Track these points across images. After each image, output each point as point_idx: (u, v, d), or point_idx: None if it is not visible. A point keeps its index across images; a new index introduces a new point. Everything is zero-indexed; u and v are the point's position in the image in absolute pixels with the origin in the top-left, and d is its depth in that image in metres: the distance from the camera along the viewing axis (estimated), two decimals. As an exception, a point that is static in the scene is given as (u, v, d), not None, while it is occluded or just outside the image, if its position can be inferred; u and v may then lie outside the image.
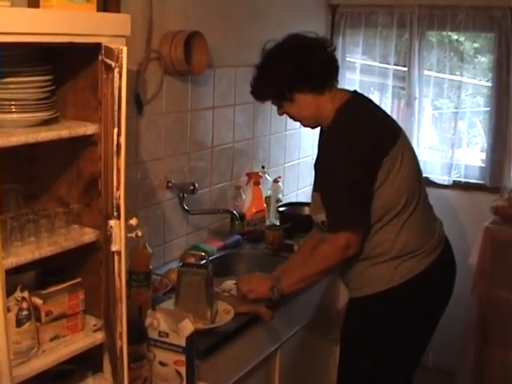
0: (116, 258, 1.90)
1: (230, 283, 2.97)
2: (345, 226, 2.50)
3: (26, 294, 1.99)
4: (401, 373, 2.75)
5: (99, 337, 2.19)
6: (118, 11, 2.62)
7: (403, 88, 4.42)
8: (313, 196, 2.77)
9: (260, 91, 2.69)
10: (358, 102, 2.72)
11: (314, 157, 2.86)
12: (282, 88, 2.59)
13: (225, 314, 2.66)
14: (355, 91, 2.75)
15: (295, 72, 2.56)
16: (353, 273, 2.67)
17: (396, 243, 2.58)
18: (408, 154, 2.64)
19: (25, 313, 1.98)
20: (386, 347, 2.65)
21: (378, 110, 2.78)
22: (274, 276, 2.69)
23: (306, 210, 3.63)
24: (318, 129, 2.79)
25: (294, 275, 2.67)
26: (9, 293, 1.90)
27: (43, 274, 2.15)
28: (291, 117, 2.72)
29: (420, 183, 2.70)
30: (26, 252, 1.94)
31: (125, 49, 1.78)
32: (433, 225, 2.74)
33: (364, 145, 2.52)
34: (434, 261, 2.65)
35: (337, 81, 2.68)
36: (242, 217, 3.61)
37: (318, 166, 2.76)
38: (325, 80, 2.62)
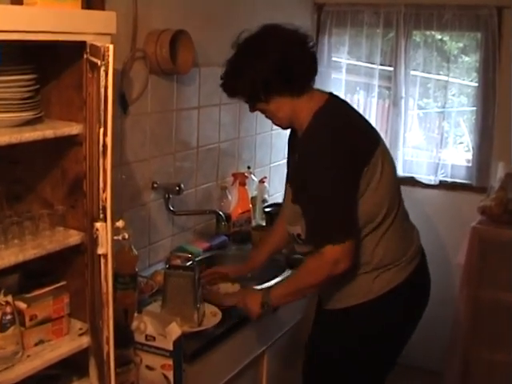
0: (102, 261, 1.87)
1: (224, 286, 2.94)
2: (330, 239, 2.33)
3: (9, 298, 1.96)
4: (374, 380, 2.69)
5: (85, 341, 2.16)
6: (103, 9, 2.59)
7: (389, 88, 4.42)
8: (286, 206, 2.66)
9: (232, 89, 2.50)
10: (336, 106, 2.54)
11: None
12: (258, 89, 2.40)
13: (212, 316, 2.64)
14: (331, 93, 2.57)
15: (274, 74, 2.37)
16: (329, 285, 2.54)
17: (374, 255, 2.48)
18: (387, 163, 2.50)
19: (9, 317, 1.95)
20: (362, 358, 2.58)
21: (356, 114, 2.61)
22: (264, 291, 2.56)
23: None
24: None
25: (283, 289, 2.56)
26: (-8, 297, 1.87)
27: (27, 277, 2.12)
28: (265, 116, 2.57)
29: (399, 191, 2.61)
30: (9, 255, 1.91)
31: (111, 46, 1.75)
32: (410, 234, 2.65)
33: (346, 154, 2.37)
34: (412, 271, 2.58)
35: (314, 81, 2.53)
36: (227, 217, 3.58)
37: (295, 176, 2.57)
38: (304, 83, 2.47)
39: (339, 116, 2.51)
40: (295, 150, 2.57)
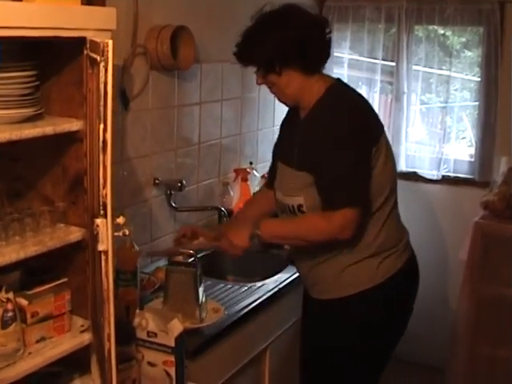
0: (103, 257, 1.85)
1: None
2: (347, 202, 2.37)
3: (10, 295, 1.95)
4: (371, 373, 2.69)
5: (86, 338, 2.15)
6: (103, 5, 2.58)
7: (391, 83, 4.41)
8: (281, 177, 2.64)
9: (250, 54, 2.49)
10: (346, 86, 2.63)
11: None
12: (275, 58, 2.43)
13: (214, 312, 2.64)
14: (339, 79, 2.63)
15: (293, 46, 2.42)
16: (327, 273, 2.56)
17: (378, 238, 2.52)
18: (390, 149, 2.57)
19: (10, 314, 1.94)
20: (361, 349, 2.57)
21: (363, 98, 2.67)
22: (253, 225, 2.55)
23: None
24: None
25: (276, 228, 2.58)
26: (-7, 294, 1.87)
27: (28, 274, 2.11)
28: (271, 90, 2.57)
29: (396, 180, 2.65)
30: (10, 252, 1.90)
31: (110, 42, 1.73)
32: (402, 223, 2.70)
33: (363, 126, 2.46)
34: (409, 257, 2.63)
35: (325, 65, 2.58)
36: (230, 213, 3.57)
37: (306, 145, 2.51)
38: (319, 62, 2.52)
39: (351, 93, 2.60)
40: (295, 127, 2.59)
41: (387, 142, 2.56)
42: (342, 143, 2.41)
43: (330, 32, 2.53)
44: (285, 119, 2.78)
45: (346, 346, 2.57)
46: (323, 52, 2.53)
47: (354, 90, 2.64)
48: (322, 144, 2.43)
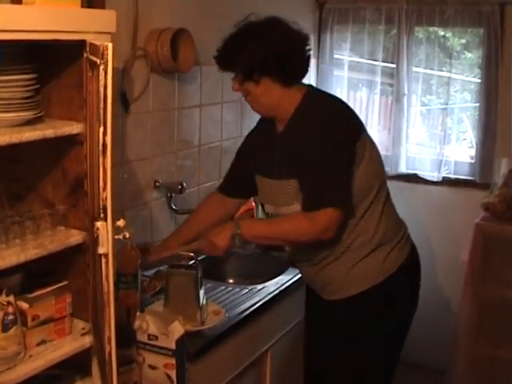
0: (103, 260, 1.85)
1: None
2: (329, 202, 2.37)
3: (11, 298, 1.95)
4: (389, 371, 2.72)
5: (87, 341, 2.15)
6: (103, 7, 2.58)
7: (392, 85, 4.41)
8: (270, 188, 2.63)
9: (231, 59, 2.49)
10: (320, 91, 2.69)
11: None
12: (255, 66, 2.43)
13: (215, 315, 2.63)
14: (310, 85, 2.65)
15: (274, 57, 2.42)
16: (335, 273, 2.58)
17: (378, 231, 2.54)
18: (373, 142, 2.60)
19: (11, 317, 1.94)
20: (379, 347, 2.61)
21: (338, 98, 2.70)
22: (233, 223, 2.58)
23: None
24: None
25: (258, 227, 2.58)
26: (-6, 297, 1.87)
27: (29, 277, 2.11)
28: (246, 98, 2.56)
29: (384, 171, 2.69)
30: (10, 255, 1.90)
31: (110, 45, 1.74)
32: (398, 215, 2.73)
33: (344, 127, 2.48)
34: (409, 251, 2.65)
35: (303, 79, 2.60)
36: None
37: (291, 153, 2.51)
38: (297, 76, 2.53)
39: (326, 96, 2.64)
40: (273, 140, 2.60)
41: (369, 137, 2.58)
42: (324, 145, 2.42)
43: (310, 49, 2.55)
44: (256, 132, 2.78)
45: (364, 344, 2.59)
46: (302, 67, 2.54)
47: (327, 93, 2.70)
48: (306, 149, 2.44)
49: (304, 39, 2.53)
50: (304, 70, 2.55)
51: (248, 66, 2.44)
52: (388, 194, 2.64)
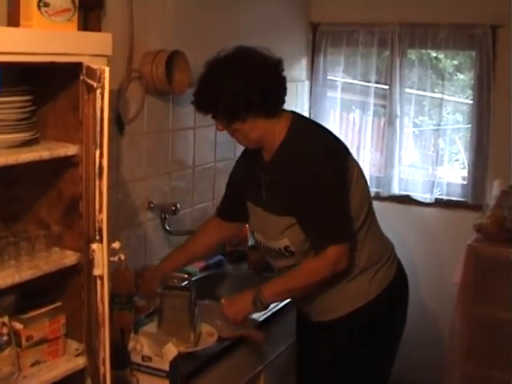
0: (98, 282, 1.86)
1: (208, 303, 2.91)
2: (336, 239, 2.43)
3: (6, 319, 1.95)
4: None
5: (81, 361, 2.15)
6: (99, 30, 2.60)
7: (384, 106, 4.43)
8: (262, 219, 2.64)
9: (212, 104, 2.46)
10: (305, 119, 2.72)
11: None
12: (241, 106, 2.40)
13: (208, 336, 2.62)
14: (294, 112, 2.63)
15: (256, 91, 2.39)
16: (323, 295, 2.60)
17: (362, 254, 2.56)
18: (358, 165, 2.62)
19: (5, 338, 1.94)
20: (368, 365, 2.62)
21: (322, 126, 2.70)
22: (255, 288, 2.58)
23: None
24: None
25: (277, 286, 2.59)
26: (-12, 318, 1.87)
27: (23, 298, 2.11)
28: (232, 135, 2.55)
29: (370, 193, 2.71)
30: (5, 276, 1.90)
31: (107, 69, 1.75)
32: (384, 234, 2.75)
33: (335, 156, 2.50)
34: (396, 269, 2.68)
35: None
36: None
37: (284, 190, 2.51)
38: (279, 103, 2.52)
39: (311, 125, 2.68)
40: (260, 168, 2.60)
41: (354, 159, 2.61)
42: (322, 182, 2.44)
43: (283, 70, 2.51)
44: (244, 157, 2.80)
45: (355, 363, 2.61)
46: (282, 91, 2.52)
47: (311, 121, 2.76)
48: (303, 185, 2.45)
49: (278, 65, 2.50)
50: (284, 97, 2.53)
51: (233, 109, 2.42)
52: (373, 216, 2.65)
